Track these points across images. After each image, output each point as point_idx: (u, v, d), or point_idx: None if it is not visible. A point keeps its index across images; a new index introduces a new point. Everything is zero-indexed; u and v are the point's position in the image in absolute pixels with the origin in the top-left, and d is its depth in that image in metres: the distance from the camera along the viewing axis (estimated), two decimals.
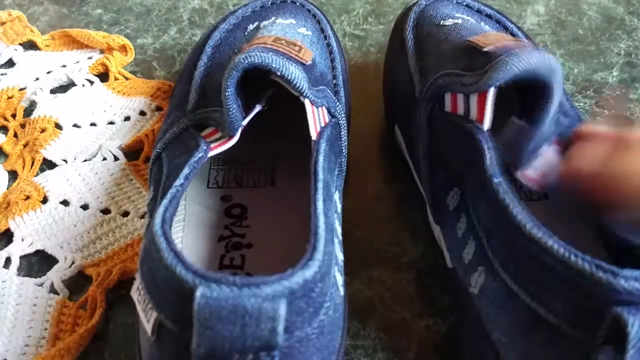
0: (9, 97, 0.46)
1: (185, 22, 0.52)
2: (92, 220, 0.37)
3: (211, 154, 0.29)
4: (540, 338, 0.23)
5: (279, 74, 0.28)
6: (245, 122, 0.30)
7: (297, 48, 0.30)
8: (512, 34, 0.38)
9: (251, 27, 0.39)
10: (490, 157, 0.27)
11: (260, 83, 0.29)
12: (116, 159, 0.41)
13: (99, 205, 0.38)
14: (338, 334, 0.24)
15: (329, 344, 0.23)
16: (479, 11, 0.40)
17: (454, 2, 0.40)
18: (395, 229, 0.37)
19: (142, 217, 0.38)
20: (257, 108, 0.30)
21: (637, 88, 0.45)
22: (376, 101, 0.44)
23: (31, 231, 0.37)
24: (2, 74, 0.48)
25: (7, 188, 0.40)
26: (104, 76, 0.48)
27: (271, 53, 0.28)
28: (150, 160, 0.33)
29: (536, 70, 0.27)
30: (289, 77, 0.28)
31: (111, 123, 0.44)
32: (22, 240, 0.36)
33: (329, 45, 0.39)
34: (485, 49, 0.30)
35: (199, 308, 0.19)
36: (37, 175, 0.41)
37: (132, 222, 0.37)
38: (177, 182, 0.26)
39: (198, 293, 0.19)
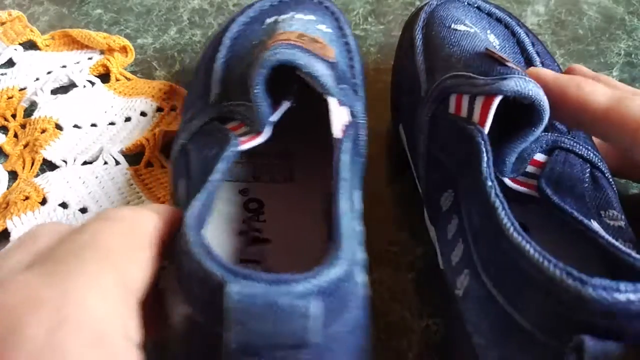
0: (9, 97, 0.46)
1: (185, 22, 0.52)
2: None
3: (240, 148, 0.29)
4: (515, 344, 0.23)
5: (305, 71, 0.28)
6: (274, 119, 0.29)
7: (319, 45, 0.30)
8: (519, 40, 0.38)
9: (269, 20, 0.39)
10: (487, 159, 0.27)
11: (283, 77, 0.29)
12: (117, 163, 0.41)
13: (98, 210, 0.38)
14: (364, 332, 0.24)
15: (355, 343, 0.23)
16: (489, 14, 0.40)
17: (465, 3, 0.40)
18: (395, 229, 0.37)
19: None
20: (286, 104, 0.30)
21: (637, 88, 0.45)
22: (376, 102, 0.44)
23: None
24: (2, 74, 0.48)
25: (7, 188, 0.40)
26: (104, 77, 0.48)
27: (297, 50, 0.28)
28: (174, 152, 0.33)
29: (542, 102, 0.28)
30: (315, 75, 0.28)
31: (112, 124, 0.44)
32: None
33: (347, 44, 0.39)
34: (507, 64, 0.30)
35: (231, 304, 0.19)
36: (37, 175, 0.41)
37: None
38: (212, 177, 0.26)
39: (230, 289, 0.19)
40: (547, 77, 0.30)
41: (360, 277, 0.24)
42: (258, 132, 0.30)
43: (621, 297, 0.20)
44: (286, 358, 0.20)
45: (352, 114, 0.32)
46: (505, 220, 0.24)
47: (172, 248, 0.23)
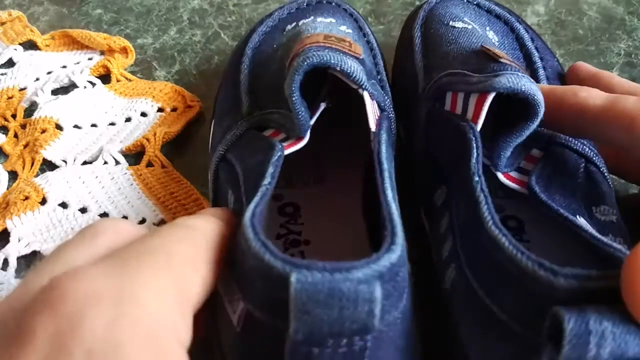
0: (9, 97, 0.46)
1: (185, 22, 0.52)
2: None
3: (286, 152, 0.29)
4: (494, 335, 0.23)
5: (338, 69, 0.28)
6: (312, 122, 0.30)
7: (347, 44, 0.31)
8: (518, 36, 0.38)
9: (289, 27, 0.39)
10: (477, 155, 0.28)
11: (312, 80, 0.29)
12: (117, 163, 0.41)
13: (98, 209, 0.38)
14: (412, 316, 0.24)
15: (409, 330, 0.24)
16: (488, 11, 0.40)
17: (465, 1, 0.40)
18: None
19: (141, 222, 0.38)
20: (322, 106, 0.30)
21: None
22: None
23: (28, 232, 0.37)
24: (2, 74, 0.48)
25: (7, 188, 0.40)
26: (105, 78, 0.48)
27: (327, 50, 0.28)
28: (214, 162, 0.33)
29: (536, 96, 0.28)
30: (349, 71, 0.28)
31: (112, 124, 0.44)
32: (19, 240, 0.37)
33: (368, 42, 0.40)
34: (501, 60, 0.31)
35: (295, 293, 0.19)
36: (37, 175, 0.41)
37: None
38: (265, 181, 0.26)
39: (293, 278, 0.19)
40: (544, 91, 0.30)
41: (409, 266, 0.24)
42: (299, 137, 0.30)
43: (592, 285, 0.20)
44: (350, 345, 0.20)
45: (382, 108, 0.32)
46: (486, 214, 0.24)
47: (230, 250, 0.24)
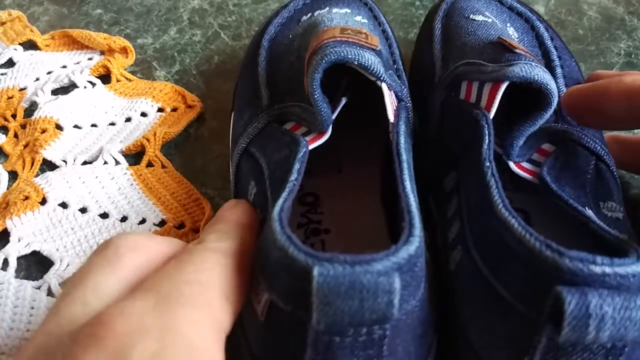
0: (9, 97, 0.46)
1: (185, 22, 0.52)
2: (91, 224, 0.37)
3: (310, 147, 0.30)
4: (497, 314, 0.24)
5: (356, 63, 0.28)
6: (334, 116, 0.30)
7: (363, 36, 0.31)
8: (538, 34, 0.39)
9: (305, 17, 0.39)
10: (488, 142, 0.28)
11: (332, 72, 0.30)
12: (117, 163, 0.41)
13: (98, 209, 0.38)
14: (429, 305, 0.25)
15: (427, 318, 0.25)
16: (510, 8, 0.41)
17: None
18: None
19: (141, 222, 0.38)
20: (343, 101, 0.31)
21: None
22: None
23: (28, 232, 0.37)
24: (2, 74, 0.48)
25: (7, 188, 0.40)
26: (105, 78, 0.48)
27: (344, 45, 0.29)
28: (236, 154, 0.33)
29: (549, 85, 0.28)
30: (366, 65, 0.29)
31: (112, 124, 0.44)
32: (19, 240, 0.37)
33: (384, 31, 0.40)
34: (517, 50, 0.31)
35: (318, 285, 0.20)
36: (37, 175, 0.41)
37: (130, 228, 0.37)
38: (292, 177, 0.27)
39: (316, 272, 0.20)
40: (584, 89, 0.30)
41: (426, 254, 0.25)
42: (321, 132, 0.30)
43: (597, 269, 0.20)
44: (370, 333, 0.21)
45: (399, 98, 0.32)
46: (497, 197, 0.25)
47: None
